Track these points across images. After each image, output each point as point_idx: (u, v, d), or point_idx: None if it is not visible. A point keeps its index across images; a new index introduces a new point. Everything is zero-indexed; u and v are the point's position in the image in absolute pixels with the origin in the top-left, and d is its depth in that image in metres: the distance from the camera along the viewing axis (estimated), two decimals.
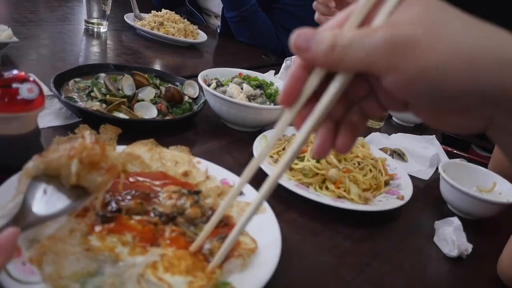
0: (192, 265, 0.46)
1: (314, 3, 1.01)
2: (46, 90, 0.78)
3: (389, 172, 0.83)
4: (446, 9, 0.30)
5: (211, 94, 0.87)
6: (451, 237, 0.68)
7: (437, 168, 0.92)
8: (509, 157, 0.35)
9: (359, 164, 0.79)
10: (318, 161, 0.75)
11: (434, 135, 1.10)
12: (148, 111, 0.83)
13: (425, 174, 0.94)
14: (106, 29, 1.40)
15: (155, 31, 1.43)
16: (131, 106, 0.83)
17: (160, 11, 1.53)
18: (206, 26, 1.91)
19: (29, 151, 0.49)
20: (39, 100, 0.53)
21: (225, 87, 0.94)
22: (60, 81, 0.82)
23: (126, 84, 0.86)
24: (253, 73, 1.03)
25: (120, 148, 0.63)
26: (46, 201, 0.44)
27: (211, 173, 0.65)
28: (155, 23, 1.46)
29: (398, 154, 0.97)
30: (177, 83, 0.98)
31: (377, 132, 1.07)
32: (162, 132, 0.79)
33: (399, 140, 1.06)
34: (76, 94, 0.83)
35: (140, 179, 0.60)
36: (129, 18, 1.49)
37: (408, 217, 0.77)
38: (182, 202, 0.54)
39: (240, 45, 1.72)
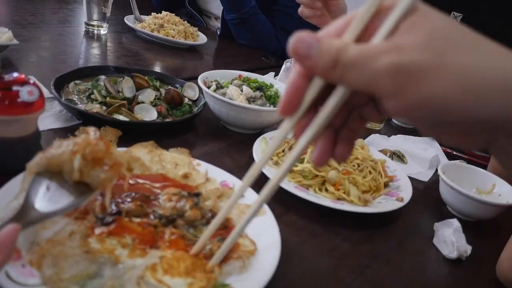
0: (191, 266, 0.47)
1: None
2: (46, 93, 0.78)
3: (389, 173, 0.84)
4: (453, 30, 0.29)
5: (211, 96, 0.87)
6: (450, 239, 0.68)
7: (436, 170, 0.92)
8: (507, 170, 0.35)
9: (358, 166, 0.79)
10: None
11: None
12: (148, 113, 0.84)
13: (425, 175, 0.94)
14: (106, 31, 1.40)
15: (155, 33, 1.44)
16: (131, 108, 0.83)
17: (160, 13, 1.53)
18: (206, 28, 1.92)
19: (30, 153, 0.48)
20: (39, 103, 0.53)
21: (225, 89, 0.94)
22: (60, 83, 0.83)
23: (126, 86, 0.86)
24: (253, 75, 1.03)
25: (120, 151, 0.64)
26: (49, 198, 0.43)
27: (211, 175, 0.66)
28: (155, 25, 1.47)
29: (397, 156, 0.98)
30: (177, 85, 0.98)
31: (377, 134, 1.07)
32: (162, 134, 0.80)
33: (399, 142, 1.06)
34: (76, 96, 0.83)
35: (140, 181, 0.60)
36: (129, 20, 1.49)
37: (408, 219, 0.77)
38: (182, 204, 0.55)
39: (240, 47, 1.72)
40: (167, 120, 0.85)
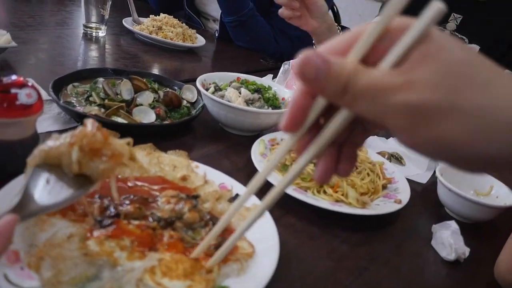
0: (190, 268, 0.47)
1: None
2: (44, 95, 0.78)
3: (387, 176, 0.84)
4: (467, 65, 0.29)
5: (209, 99, 0.87)
6: (448, 241, 0.68)
7: (434, 172, 0.92)
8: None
9: (356, 168, 0.79)
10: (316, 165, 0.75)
11: None
12: (146, 116, 0.84)
13: (423, 177, 0.94)
14: (104, 34, 1.40)
15: (153, 36, 1.44)
16: (130, 111, 0.83)
17: (159, 15, 1.53)
18: (205, 30, 1.92)
19: (28, 156, 0.49)
20: (37, 105, 0.54)
21: (223, 92, 0.94)
22: (58, 86, 0.83)
23: (125, 88, 0.86)
24: (251, 77, 1.03)
25: (122, 141, 0.63)
26: (49, 191, 0.43)
27: (209, 177, 0.66)
28: (153, 27, 1.47)
29: (395, 158, 0.98)
30: (176, 88, 0.98)
31: (375, 136, 1.08)
32: (161, 137, 0.80)
33: (397, 144, 1.06)
34: (75, 99, 0.83)
35: (139, 183, 0.60)
36: (127, 22, 1.50)
37: (406, 221, 0.77)
38: (180, 207, 0.55)
39: (238, 49, 1.72)
40: (166, 122, 0.85)
